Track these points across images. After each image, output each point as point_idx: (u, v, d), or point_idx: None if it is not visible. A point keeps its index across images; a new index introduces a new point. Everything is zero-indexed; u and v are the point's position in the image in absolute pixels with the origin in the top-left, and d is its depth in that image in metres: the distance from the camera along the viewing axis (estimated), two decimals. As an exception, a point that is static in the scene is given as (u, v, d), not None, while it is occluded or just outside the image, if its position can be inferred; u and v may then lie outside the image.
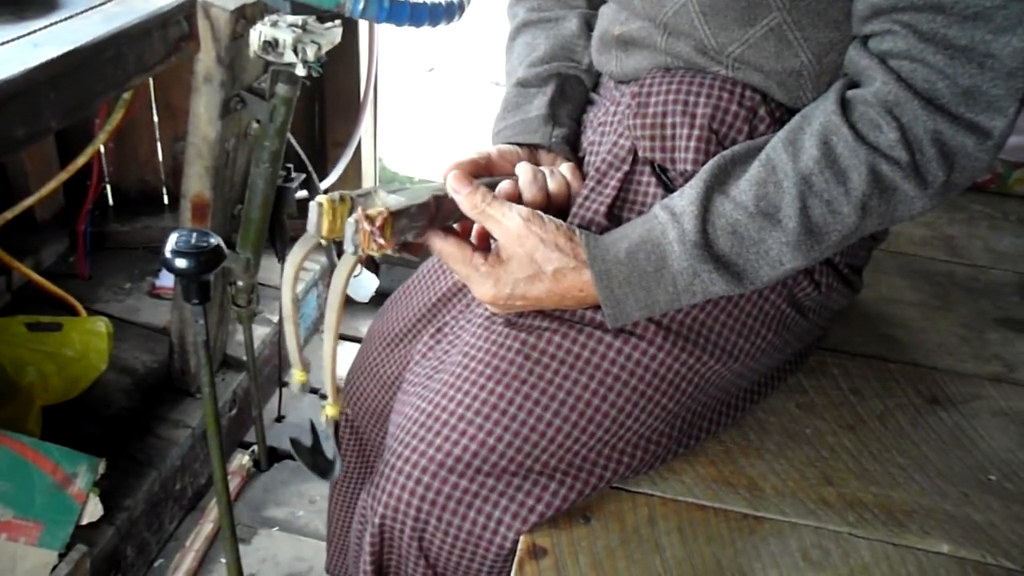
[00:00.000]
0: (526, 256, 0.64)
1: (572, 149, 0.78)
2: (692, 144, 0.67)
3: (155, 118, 1.69)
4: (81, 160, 1.39)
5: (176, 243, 0.78)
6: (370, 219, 0.59)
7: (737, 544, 0.67)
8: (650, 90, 0.69)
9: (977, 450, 0.77)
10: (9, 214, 1.42)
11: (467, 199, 0.65)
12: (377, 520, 0.70)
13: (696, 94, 0.67)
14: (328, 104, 1.63)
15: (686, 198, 0.62)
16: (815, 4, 0.62)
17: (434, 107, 2.78)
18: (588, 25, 0.83)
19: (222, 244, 0.79)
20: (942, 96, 0.58)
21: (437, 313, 0.84)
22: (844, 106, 0.60)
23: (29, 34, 0.91)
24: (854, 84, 0.63)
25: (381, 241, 0.59)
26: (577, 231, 0.64)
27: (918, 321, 0.94)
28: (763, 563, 0.65)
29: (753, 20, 0.64)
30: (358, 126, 1.57)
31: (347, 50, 1.52)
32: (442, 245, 0.66)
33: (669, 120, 0.68)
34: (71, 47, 0.89)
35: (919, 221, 1.15)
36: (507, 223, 0.64)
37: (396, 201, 0.62)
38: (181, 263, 0.77)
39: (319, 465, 0.67)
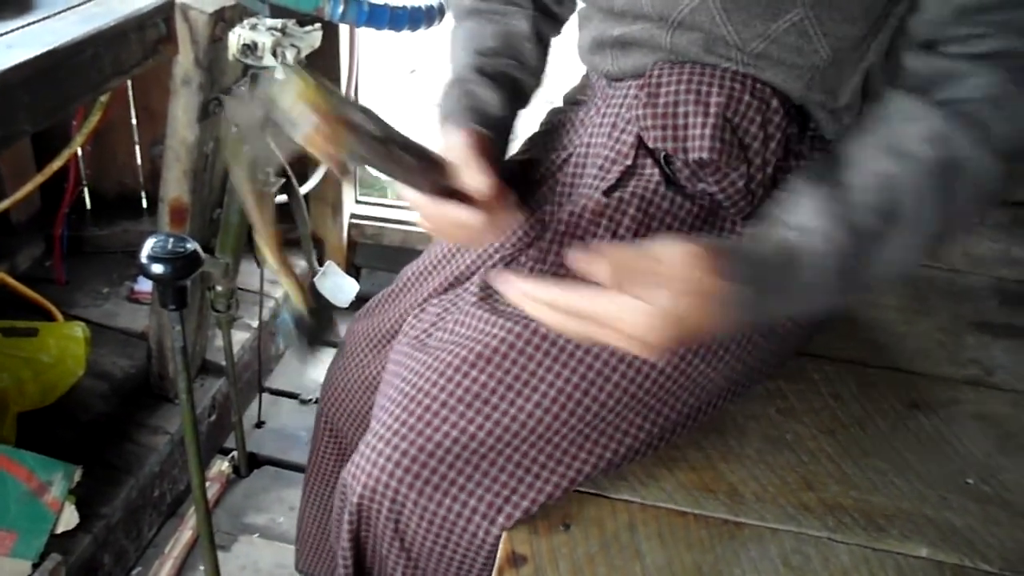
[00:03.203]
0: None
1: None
2: (707, 132, 0.67)
3: (133, 120, 1.67)
4: (57, 163, 1.37)
5: (153, 248, 0.77)
6: (327, 114, 0.55)
7: (717, 550, 0.67)
8: (659, 81, 0.69)
9: (955, 454, 0.78)
10: (-16, 218, 1.40)
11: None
12: (355, 499, 0.70)
13: (708, 84, 0.67)
14: (309, 108, 1.62)
15: (820, 210, 0.58)
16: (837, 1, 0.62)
17: (416, 109, 2.77)
18: (537, 29, 0.81)
19: (199, 250, 0.79)
20: None
21: (424, 312, 0.84)
22: (948, 111, 0.59)
23: (3, 35, 0.89)
24: (919, 90, 0.61)
25: (328, 144, 0.55)
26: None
27: (897, 326, 0.95)
28: (743, 569, 0.65)
29: (776, 15, 0.63)
30: (339, 129, 1.56)
31: (327, 53, 1.51)
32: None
33: (681, 109, 0.68)
34: (46, 48, 0.88)
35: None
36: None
37: (362, 119, 0.58)
38: (157, 269, 0.76)
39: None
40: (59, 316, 1.49)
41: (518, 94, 0.78)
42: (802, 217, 0.58)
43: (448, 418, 0.68)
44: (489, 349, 0.68)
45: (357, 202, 1.78)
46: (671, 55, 0.69)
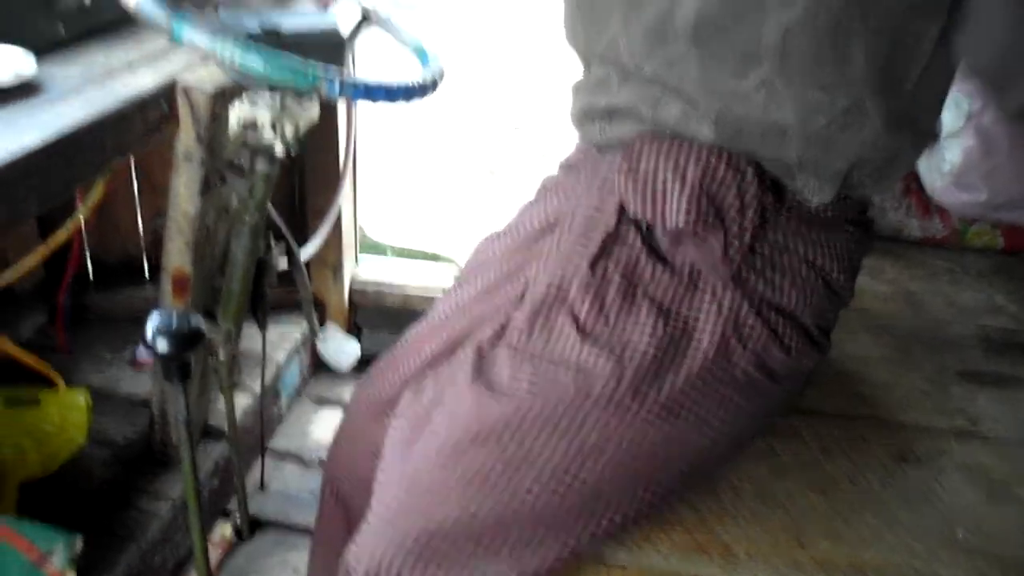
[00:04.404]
0: None
1: None
2: (684, 202, 0.70)
3: (135, 190, 1.71)
4: (61, 236, 1.40)
5: (157, 325, 0.80)
6: None
7: (713, 611, 0.68)
8: (640, 152, 0.72)
9: (944, 506, 0.79)
10: (-11, 290, 1.43)
11: None
12: None
13: (686, 156, 0.70)
14: (308, 173, 1.66)
15: None
16: (804, 63, 0.65)
17: (413, 168, 2.83)
18: None
19: (202, 325, 0.81)
20: None
21: (423, 379, 0.86)
22: None
23: (12, 122, 0.93)
24: None
25: None
26: None
27: (884, 378, 0.97)
28: (739, 629, 0.66)
29: (746, 72, 0.67)
30: (338, 194, 1.60)
31: (326, 121, 1.55)
32: None
33: (660, 179, 0.71)
34: (53, 135, 0.91)
35: (882, 278, 1.18)
36: None
37: None
38: (162, 345, 0.79)
39: None
40: (62, 384, 1.51)
41: None
42: None
43: (449, 498, 0.69)
44: (487, 428, 0.70)
45: (357, 264, 1.81)
46: (654, 127, 0.73)
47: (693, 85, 0.69)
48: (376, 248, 2.04)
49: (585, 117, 0.80)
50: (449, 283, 1.70)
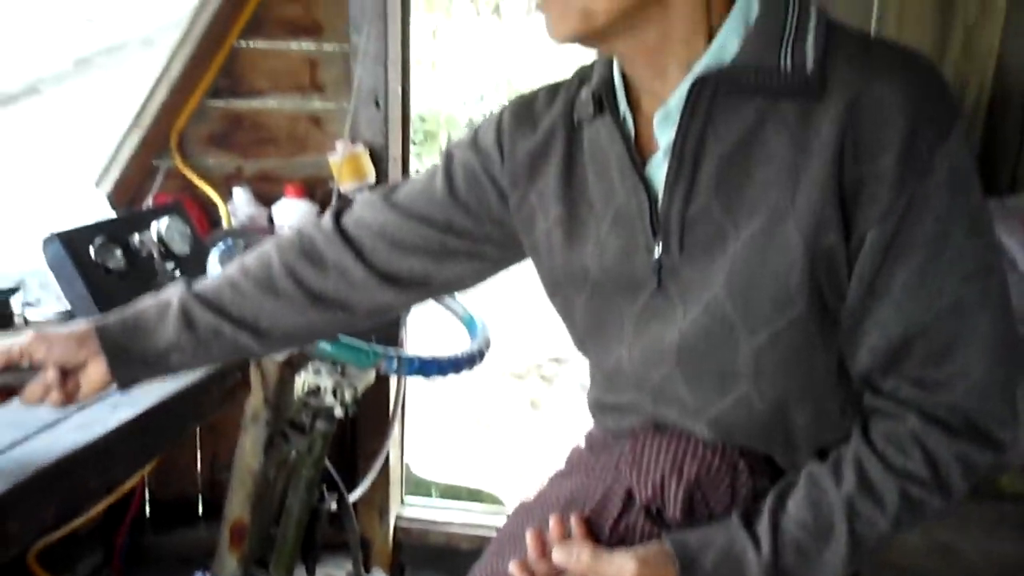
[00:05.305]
0: None
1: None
2: (681, 495, 0.77)
3: (196, 431, 1.82)
4: (127, 486, 1.50)
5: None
6: None
7: None
8: (644, 444, 0.80)
9: None
10: (52, 536, 1.51)
11: (573, 564, 0.74)
12: None
13: (684, 452, 0.78)
14: (360, 422, 1.76)
15: (763, 523, 0.72)
16: (776, 378, 0.75)
17: (457, 402, 2.92)
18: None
19: (266, 593, 0.87)
20: (956, 422, 0.69)
21: None
22: (874, 439, 0.71)
23: (109, 399, 1.04)
24: (874, 417, 0.73)
25: None
26: (670, 553, 0.73)
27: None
28: None
29: (725, 390, 0.76)
30: (387, 440, 1.69)
31: (379, 387, 1.66)
32: None
33: (660, 474, 0.78)
34: (144, 408, 1.02)
35: (913, 529, 1.20)
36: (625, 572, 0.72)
37: None
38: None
39: None
40: (112, 631, 1.54)
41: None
42: (756, 524, 0.73)
43: None
44: None
45: (403, 504, 1.87)
46: (656, 420, 0.82)
47: (685, 397, 0.78)
48: (421, 485, 2.09)
49: (598, 408, 0.90)
50: (491, 521, 1.75)
